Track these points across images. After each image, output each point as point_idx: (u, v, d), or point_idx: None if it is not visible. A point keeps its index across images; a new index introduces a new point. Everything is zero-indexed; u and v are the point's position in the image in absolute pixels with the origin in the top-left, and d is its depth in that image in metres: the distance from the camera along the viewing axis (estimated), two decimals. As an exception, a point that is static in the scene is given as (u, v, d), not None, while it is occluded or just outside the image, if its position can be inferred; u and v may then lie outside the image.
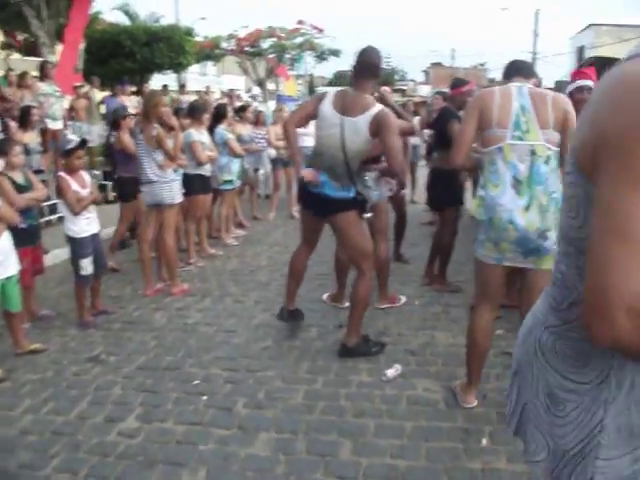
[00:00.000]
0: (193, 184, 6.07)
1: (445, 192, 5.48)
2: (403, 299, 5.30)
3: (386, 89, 5.12)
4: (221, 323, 4.86)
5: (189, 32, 19.47)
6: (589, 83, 4.62)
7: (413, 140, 8.92)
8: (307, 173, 3.95)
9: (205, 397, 3.65)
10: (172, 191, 5.38)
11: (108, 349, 4.38)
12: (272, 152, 8.87)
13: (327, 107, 3.92)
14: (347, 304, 5.04)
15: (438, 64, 58.53)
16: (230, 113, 7.70)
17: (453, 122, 5.04)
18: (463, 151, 3.28)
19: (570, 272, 1.27)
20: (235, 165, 7.29)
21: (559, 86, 8.02)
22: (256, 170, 9.04)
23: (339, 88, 4.15)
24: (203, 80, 24.84)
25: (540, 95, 3.14)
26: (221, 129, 7.16)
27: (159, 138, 5.19)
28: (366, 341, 4.30)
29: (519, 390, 1.58)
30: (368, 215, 4.24)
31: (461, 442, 3.21)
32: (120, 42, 16.64)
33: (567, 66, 35.64)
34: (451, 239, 5.60)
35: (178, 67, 18.63)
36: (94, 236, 4.78)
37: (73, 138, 4.74)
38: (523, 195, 3.07)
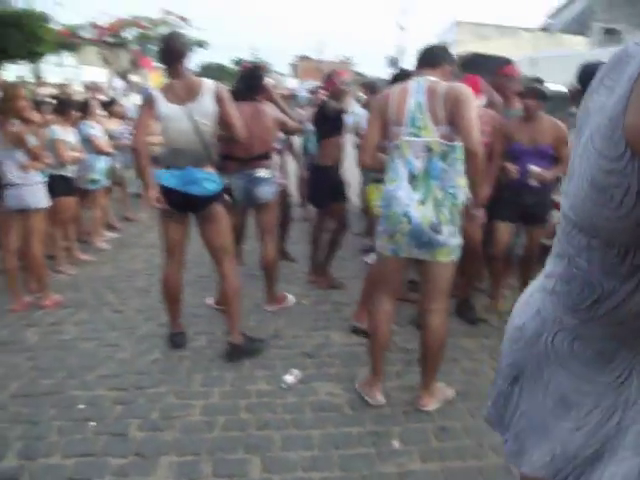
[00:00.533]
0: (57, 186, 5.56)
1: (329, 189, 5.43)
2: (292, 299, 5.21)
3: (270, 81, 4.97)
4: (102, 337, 4.50)
5: (45, 18, 17.90)
6: None
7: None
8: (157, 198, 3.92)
9: (93, 423, 3.34)
10: (37, 194, 4.90)
11: (-27, 375, 3.90)
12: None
13: (164, 106, 3.82)
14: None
15: (305, 57, 58.98)
16: (97, 108, 7.16)
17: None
18: (369, 152, 3.31)
19: (593, 267, 1.17)
20: (101, 163, 6.81)
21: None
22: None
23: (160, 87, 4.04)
24: (61, 71, 23.10)
25: (435, 90, 3.14)
26: (86, 125, 6.67)
27: (19, 136, 4.69)
28: (249, 339, 4.23)
29: (519, 397, 1.51)
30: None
31: (373, 446, 3.19)
32: (-35, 27, 15.01)
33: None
34: (340, 236, 5.59)
35: (34, 57, 17.12)
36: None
37: None
38: (419, 190, 3.16)
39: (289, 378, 3.82)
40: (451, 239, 3.22)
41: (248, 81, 4.69)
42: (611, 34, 31.68)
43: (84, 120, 6.66)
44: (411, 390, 3.72)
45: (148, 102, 3.90)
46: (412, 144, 3.15)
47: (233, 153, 4.59)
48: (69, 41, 22.05)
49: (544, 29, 33.71)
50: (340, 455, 3.11)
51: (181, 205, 3.96)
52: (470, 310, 4.90)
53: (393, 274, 3.49)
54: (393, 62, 32.93)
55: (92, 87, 14.03)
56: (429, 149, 3.13)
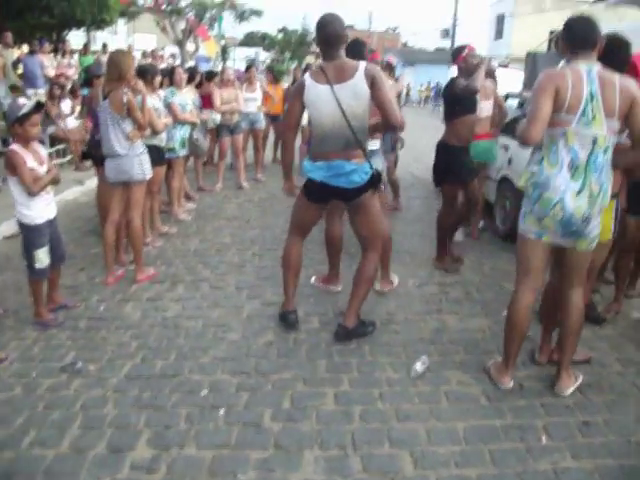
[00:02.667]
0: (151, 156, 5.34)
1: (458, 169, 5.09)
2: (396, 280, 4.93)
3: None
4: (207, 316, 4.29)
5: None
6: None
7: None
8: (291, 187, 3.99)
9: (222, 411, 3.13)
10: (143, 166, 4.69)
11: (82, 354, 3.72)
12: (217, 117, 8.15)
13: (312, 88, 3.63)
14: (340, 287, 4.65)
15: (350, 27, 57.81)
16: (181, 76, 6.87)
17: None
18: (540, 127, 3.00)
19: None
20: (180, 132, 6.56)
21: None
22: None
23: (309, 71, 3.88)
24: (115, 39, 22.93)
25: (608, 80, 2.98)
26: (170, 92, 6.43)
27: (131, 105, 4.47)
28: (361, 322, 4.00)
29: None
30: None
31: (521, 441, 2.98)
32: (35, -7, 14.62)
33: (486, 33, 36.21)
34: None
35: (101, 24, 16.93)
36: (51, 222, 4.05)
37: (24, 102, 3.93)
38: (577, 179, 3.05)
39: (418, 365, 3.55)
40: (595, 230, 3.15)
41: (352, 51, 4.41)
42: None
43: (168, 87, 6.42)
44: (539, 380, 3.52)
45: (299, 88, 3.70)
46: (580, 134, 3.01)
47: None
48: (126, 9, 21.87)
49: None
50: (490, 450, 2.88)
51: (328, 196, 3.82)
52: (593, 310, 4.52)
53: (536, 260, 3.28)
54: (447, 34, 31.99)
55: (153, 55, 13.86)
56: (595, 141, 3.01)
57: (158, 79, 5.85)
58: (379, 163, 4.45)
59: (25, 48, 12.25)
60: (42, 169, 3.87)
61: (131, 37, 24.36)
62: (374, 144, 4.43)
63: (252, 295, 4.65)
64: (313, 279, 4.85)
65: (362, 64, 3.56)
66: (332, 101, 3.56)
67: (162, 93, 6.18)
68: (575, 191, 3.02)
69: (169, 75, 6.60)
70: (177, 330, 4.05)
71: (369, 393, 3.31)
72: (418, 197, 8.43)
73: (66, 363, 3.61)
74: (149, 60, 12.62)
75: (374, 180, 3.72)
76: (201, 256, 5.59)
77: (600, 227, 3.22)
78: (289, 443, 2.88)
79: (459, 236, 6.13)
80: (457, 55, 5.04)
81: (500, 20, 34.50)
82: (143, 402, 3.20)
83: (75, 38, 16.14)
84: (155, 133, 5.28)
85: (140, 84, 4.71)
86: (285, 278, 4.07)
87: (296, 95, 3.74)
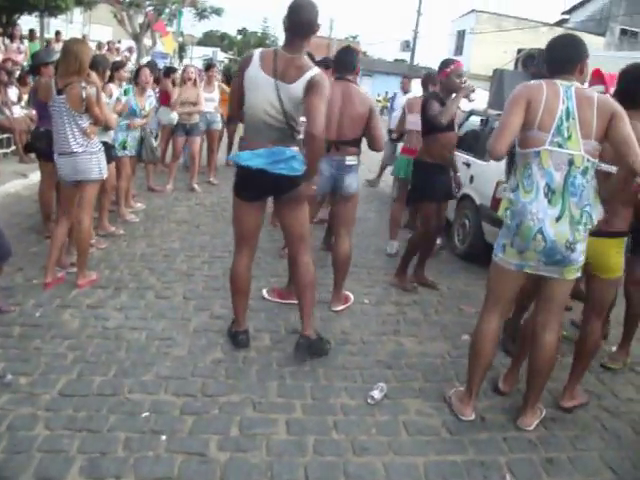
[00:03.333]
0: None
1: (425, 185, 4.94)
2: (351, 297, 4.74)
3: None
4: (151, 327, 4.00)
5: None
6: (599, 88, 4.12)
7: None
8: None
9: (164, 437, 2.86)
10: (100, 164, 4.38)
11: (13, 366, 3.38)
12: (173, 116, 7.84)
13: (255, 70, 3.35)
14: (294, 300, 4.42)
15: (313, 33, 57.73)
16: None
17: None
18: (507, 139, 2.84)
19: None
20: (120, 134, 6.23)
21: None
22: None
23: (262, 49, 3.52)
24: (70, 28, 22.06)
25: (586, 98, 2.83)
26: (125, 90, 6.13)
27: (90, 101, 4.17)
28: (319, 337, 3.81)
29: None
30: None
31: None
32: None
33: (446, 48, 36.67)
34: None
35: (55, 10, 16.11)
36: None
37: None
38: (555, 205, 2.86)
39: (376, 393, 3.36)
40: (581, 256, 2.95)
41: (343, 59, 4.26)
42: (629, 36, 31.34)
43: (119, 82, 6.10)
44: (502, 411, 3.38)
45: (242, 65, 3.45)
46: (554, 154, 2.83)
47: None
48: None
49: (560, 24, 33.14)
50: (452, 490, 2.70)
51: (263, 188, 3.50)
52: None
53: (511, 290, 3.15)
54: (407, 46, 32.29)
55: (109, 47, 13.36)
56: (571, 162, 2.83)
57: (108, 73, 5.52)
58: (355, 180, 4.29)
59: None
60: None
61: (87, 27, 23.55)
62: (353, 159, 4.27)
63: (200, 307, 4.38)
64: (265, 293, 4.62)
65: (312, 71, 3.28)
66: (272, 95, 3.31)
67: (112, 87, 5.83)
68: (554, 217, 2.84)
69: (134, 74, 6.31)
70: (118, 342, 3.75)
71: (323, 421, 3.10)
72: (373, 210, 8.30)
73: (-7, 375, 3.28)
74: (104, 52, 12.14)
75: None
76: (147, 261, 5.27)
77: (611, 263, 3.18)
78: (237, 476, 2.64)
79: (392, 248, 6.05)
80: (441, 69, 4.81)
81: (461, 36, 35.05)
82: (77, 423, 2.90)
83: (27, 24, 15.34)
84: (107, 129, 4.96)
85: (94, 76, 4.39)
86: (234, 299, 3.82)
87: (240, 70, 3.46)
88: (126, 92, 6.18)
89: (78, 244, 4.53)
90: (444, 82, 4.80)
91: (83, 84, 4.18)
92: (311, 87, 3.24)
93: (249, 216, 3.60)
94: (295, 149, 3.40)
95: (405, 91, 8.97)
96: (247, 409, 3.14)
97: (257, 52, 3.43)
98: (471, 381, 3.25)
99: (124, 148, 6.32)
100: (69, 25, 22.25)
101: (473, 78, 19.50)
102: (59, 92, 4.24)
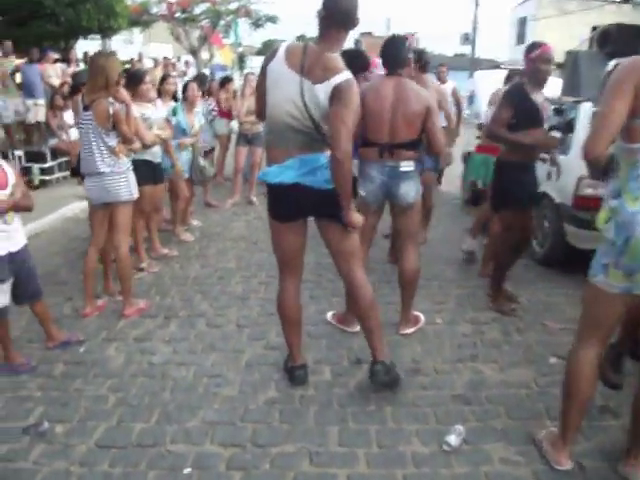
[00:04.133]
0: (138, 172, 4.71)
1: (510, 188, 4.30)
2: (422, 318, 4.25)
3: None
4: (200, 362, 3.66)
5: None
6: None
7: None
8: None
9: (208, 500, 2.49)
10: (126, 185, 4.10)
11: (51, 411, 3.12)
12: (235, 126, 7.56)
13: (278, 65, 2.91)
14: (358, 327, 3.97)
15: (368, 33, 57.19)
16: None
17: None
18: (609, 136, 2.28)
19: None
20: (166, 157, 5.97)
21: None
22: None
23: (291, 42, 3.06)
24: (130, 48, 22.44)
25: None
26: (175, 108, 5.90)
27: (117, 117, 3.89)
28: (390, 365, 3.31)
29: None
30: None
31: None
32: (40, 1, 13.99)
33: (508, 38, 35.35)
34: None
35: (108, 31, 16.33)
36: (13, 255, 3.38)
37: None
38: None
39: (452, 438, 2.87)
40: None
41: (389, 52, 3.75)
42: None
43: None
44: (603, 457, 2.79)
45: (266, 60, 3.02)
46: None
47: (370, 136, 3.67)
48: (139, 18, 21.39)
49: (628, 1, 31.33)
50: None
51: (300, 205, 3.06)
52: None
53: (614, 315, 2.55)
54: (467, 39, 31.23)
55: (164, 63, 13.34)
56: None
57: (148, 86, 5.21)
58: (413, 187, 3.78)
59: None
60: (2, 193, 3.26)
61: (146, 46, 23.92)
62: (408, 165, 3.74)
63: (254, 335, 4.01)
64: (329, 316, 4.20)
65: (341, 76, 2.77)
66: (296, 94, 2.86)
67: (160, 104, 5.55)
68: None
69: (182, 90, 6.05)
70: (164, 381, 3.43)
71: (392, 476, 2.65)
72: (443, 214, 7.70)
73: (30, 424, 3.01)
74: (159, 68, 12.11)
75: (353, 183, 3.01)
76: (201, 284, 4.97)
77: None
78: None
79: (468, 245, 5.51)
80: (526, 54, 4.10)
81: (522, 23, 33.59)
82: (112, 481, 2.58)
83: (88, 47, 15.60)
84: (145, 147, 4.68)
85: (123, 92, 4.10)
86: (285, 331, 3.40)
87: (264, 64, 3.04)
88: (174, 112, 5.91)
89: (119, 272, 4.26)
90: (530, 70, 4.12)
91: (110, 100, 3.91)
92: (337, 95, 2.77)
93: (289, 239, 3.18)
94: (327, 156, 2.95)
95: (442, 81, 7.98)
96: (303, 462, 2.73)
97: (284, 45, 3.00)
98: (566, 424, 2.71)
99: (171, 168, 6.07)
100: (129, 46, 22.65)
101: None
102: (85, 108, 3.99)
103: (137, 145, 4.40)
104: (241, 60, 26.78)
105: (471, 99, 9.38)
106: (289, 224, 3.13)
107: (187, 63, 17.99)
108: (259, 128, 7.46)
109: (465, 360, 3.74)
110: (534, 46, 4.11)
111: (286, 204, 3.05)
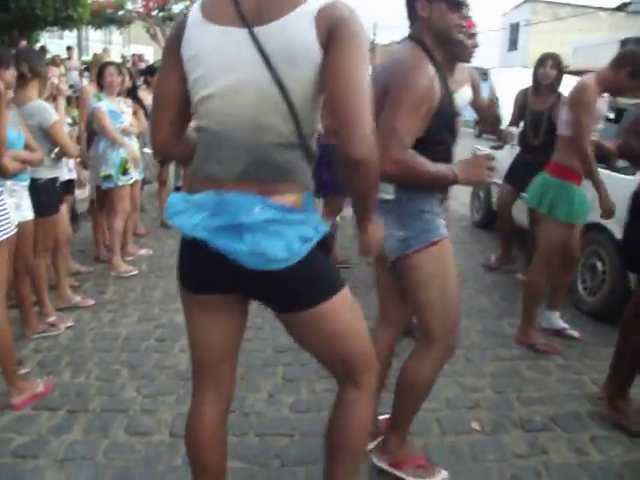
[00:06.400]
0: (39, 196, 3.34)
1: None
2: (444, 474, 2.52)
3: None
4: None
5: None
6: None
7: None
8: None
9: None
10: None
11: None
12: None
13: (197, 32, 1.56)
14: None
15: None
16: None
17: None
18: None
19: None
20: (114, 152, 4.68)
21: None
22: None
23: None
24: (110, 49, 20.75)
25: None
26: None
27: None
28: None
29: None
30: None
31: None
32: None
33: (499, 43, 34.39)
34: None
35: (67, 22, 14.57)
36: None
37: None
38: None
39: None
40: None
41: None
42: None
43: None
44: None
45: (174, 36, 1.64)
46: None
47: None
48: (116, 16, 19.78)
49: (620, 9, 30.77)
50: None
51: (220, 276, 1.62)
52: None
53: None
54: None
55: (135, 59, 12.00)
56: None
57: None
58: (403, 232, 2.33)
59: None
60: None
61: (126, 47, 22.31)
62: (388, 191, 2.24)
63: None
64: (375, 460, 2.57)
65: None
66: (251, 59, 1.48)
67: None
68: None
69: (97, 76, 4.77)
70: None
71: None
72: (453, 241, 6.28)
73: None
74: (128, 66, 10.67)
75: (326, 245, 1.66)
76: (132, 351, 3.52)
77: None
78: None
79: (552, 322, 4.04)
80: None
81: (514, 29, 32.77)
82: None
83: (65, 42, 13.98)
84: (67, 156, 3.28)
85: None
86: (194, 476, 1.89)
87: (169, 49, 1.66)
88: (99, 98, 4.73)
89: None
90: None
91: None
92: (333, 30, 1.43)
93: (205, 326, 1.74)
94: (293, 200, 1.54)
95: None
96: None
97: (197, 3, 1.61)
98: None
99: (124, 173, 4.68)
100: (109, 46, 21.09)
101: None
102: None
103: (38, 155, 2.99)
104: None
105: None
106: (206, 297, 1.69)
107: (141, 57, 16.38)
108: None
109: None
110: None
111: (201, 261, 1.61)
